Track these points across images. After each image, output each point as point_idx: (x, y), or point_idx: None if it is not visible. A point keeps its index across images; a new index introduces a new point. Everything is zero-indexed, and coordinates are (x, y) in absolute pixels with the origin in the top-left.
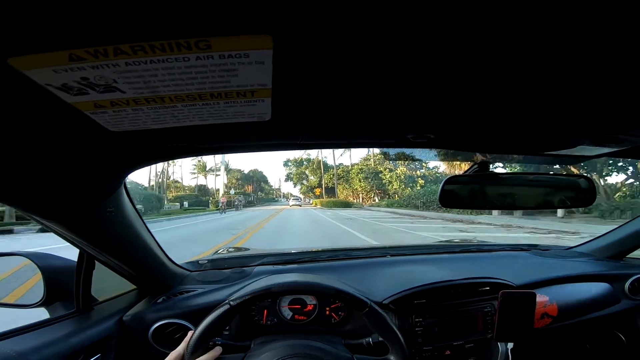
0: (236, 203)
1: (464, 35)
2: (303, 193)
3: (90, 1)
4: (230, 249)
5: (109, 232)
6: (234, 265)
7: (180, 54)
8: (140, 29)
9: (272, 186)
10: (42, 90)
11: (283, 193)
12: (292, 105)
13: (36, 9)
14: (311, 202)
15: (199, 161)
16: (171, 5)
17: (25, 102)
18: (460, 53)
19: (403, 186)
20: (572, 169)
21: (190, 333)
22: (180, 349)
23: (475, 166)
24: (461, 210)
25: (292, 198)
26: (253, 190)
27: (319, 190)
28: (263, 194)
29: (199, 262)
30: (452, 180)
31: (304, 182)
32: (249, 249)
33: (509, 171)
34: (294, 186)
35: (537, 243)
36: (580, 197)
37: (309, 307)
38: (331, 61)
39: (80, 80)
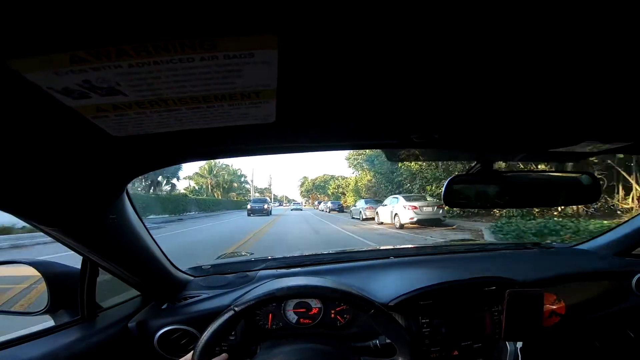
0: None
1: (469, 35)
2: (305, 192)
3: (92, 0)
4: (232, 254)
5: (112, 239)
6: (237, 270)
7: (185, 55)
8: (143, 29)
9: (243, 176)
10: (43, 93)
11: (274, 195)
12: (297, 107)
13: (37, 9)
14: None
15: None
16: (175, 4)
17: (26, 107)
18: (465, 53)
19: None
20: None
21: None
22: (188, 357)
23: (478, 165)
24: None
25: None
26: None
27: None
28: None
29: (202, 267)
30: (456, 179)
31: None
32: (251, 254)
33: (513, 169)
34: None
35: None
36: (584, 194)
37: (314, 311)
38: (336, 61)
39: (82, 83)
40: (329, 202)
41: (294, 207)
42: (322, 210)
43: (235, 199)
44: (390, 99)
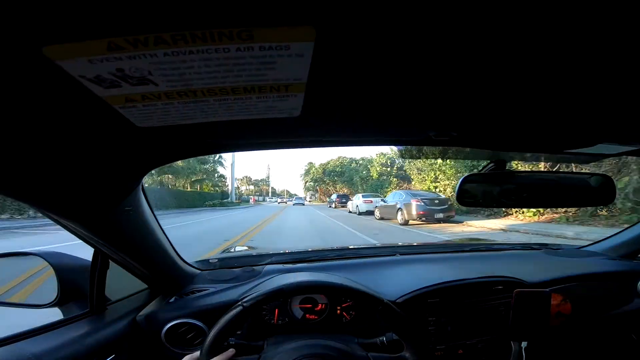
0: None
1: (492, 34)
2: (312, 184)
3: None
4: (239, 248)
5: (126, 231)
6: (244, 264)
7: (221, 45)
8: (184, 16)
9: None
10: (73, 82)
11: (273, 189)
12: (322, 102)
13: None
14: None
15: None
16: None
17: (53, 96)
18: (488, 52)
19: None
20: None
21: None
22: (197, 354)
23: (492, 164)
24: None
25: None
26: None
27: None
28: None
29: (210, 260)
30: (470, 179)
31: None
32: (257, 248)
33: (526, 169)
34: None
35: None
36: (598, 195)
37: (320, 307)
38: (366, 56)
39: (115, 71)
40: (400, 192)
41: (296, 201)
42: (361, 213)
43: (206, 189)
44: (412, 96)
